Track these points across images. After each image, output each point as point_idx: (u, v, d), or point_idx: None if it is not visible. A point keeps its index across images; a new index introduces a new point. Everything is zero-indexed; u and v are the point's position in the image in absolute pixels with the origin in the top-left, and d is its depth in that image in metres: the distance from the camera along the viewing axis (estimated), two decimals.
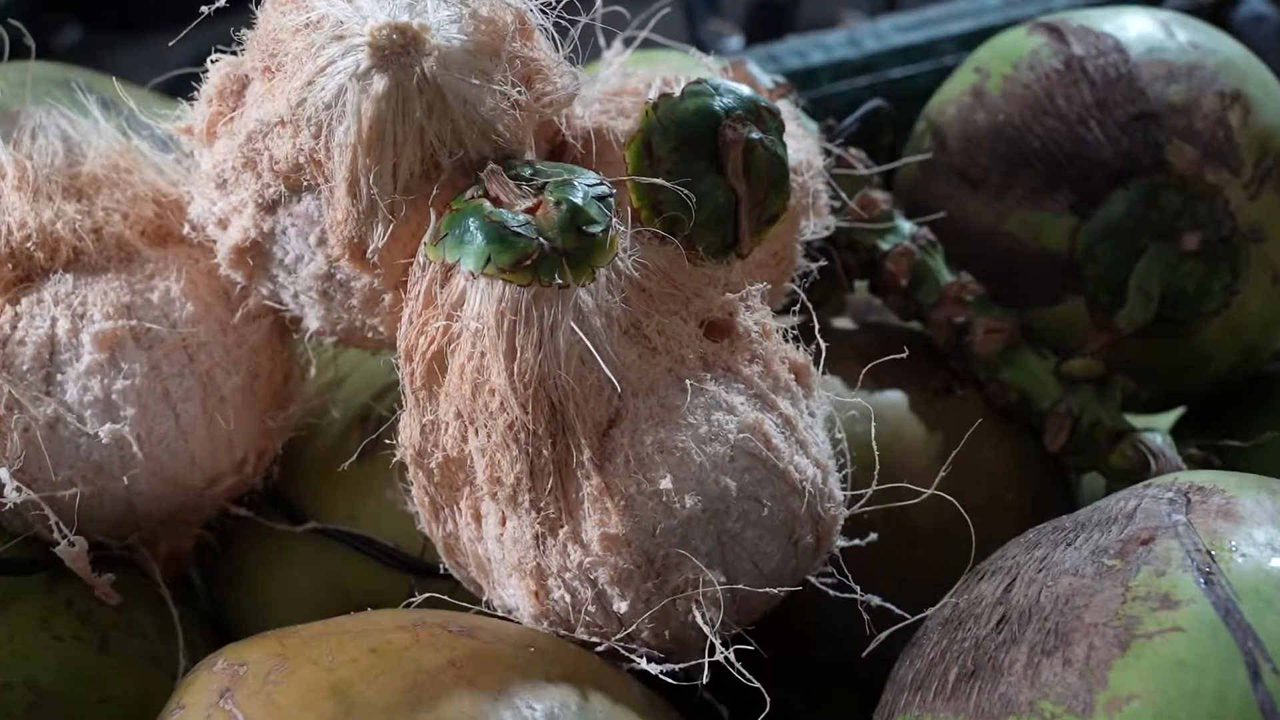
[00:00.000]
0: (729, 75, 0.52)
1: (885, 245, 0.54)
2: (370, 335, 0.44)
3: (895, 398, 0.52)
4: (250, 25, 0.41)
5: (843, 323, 0.60)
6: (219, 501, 0.47)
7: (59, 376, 0.42)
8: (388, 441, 0.42)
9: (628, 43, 0.53)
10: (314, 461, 0.49)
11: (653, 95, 0.45)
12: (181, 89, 0.43)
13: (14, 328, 0.43)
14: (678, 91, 0.41)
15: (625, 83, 0.46)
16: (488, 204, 0.37)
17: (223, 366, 0.44)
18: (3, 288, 0.43)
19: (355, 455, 0.45)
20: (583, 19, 0.44)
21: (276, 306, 0.45)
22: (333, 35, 0.37)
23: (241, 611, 0.50)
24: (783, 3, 1.56)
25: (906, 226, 0.54)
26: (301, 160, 0.39)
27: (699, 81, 0.42)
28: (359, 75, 0.37)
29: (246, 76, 0.42)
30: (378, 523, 0.48)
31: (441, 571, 0.43)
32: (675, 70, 0.59)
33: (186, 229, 0.45)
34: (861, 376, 0.45)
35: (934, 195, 0.56)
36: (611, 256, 0.38)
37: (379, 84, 0.37)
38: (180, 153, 0.47)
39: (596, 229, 0.37)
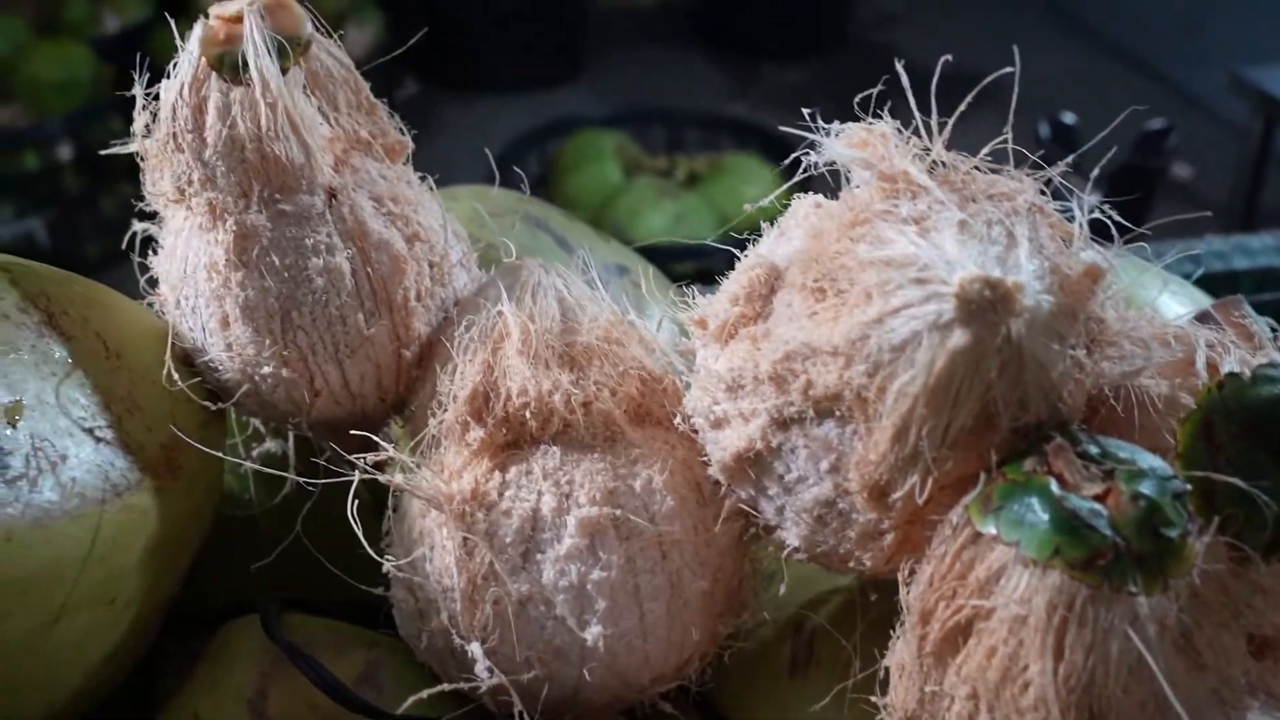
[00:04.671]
0: (1220, 316, 0.48)
1: None
2: (852, 565, 0.41)
3: None
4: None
5: None
6: (652, 697, 0.45)
7: (538, 555, 0.42)
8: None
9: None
10: (741, 665, 0.47)
11: (1200, 363, 0.41)
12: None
13: (501, 495, 0.42)
14: (1245, 371, 0.38)
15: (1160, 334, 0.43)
16: (1054, 484, 0.34)
17: (691, 568, 0.43)
18: (493, 452, 0.43)
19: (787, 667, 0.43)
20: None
21: (751, 513, 0.43)
22: (914, 277, 0.35)
23: None
24: (1152, 166, 1.49)
25: None
26: (845, 394, 0.37)
27: (1273, 365, 0.38)
28: (939, 325, 0.35)
29: (779, 283, 0.41)
30: None
31: None
32: (1159, 300, 0.55)
33: (678, 419, 0.44)
34: None
35: None
36: (1189, 568, 0.34)
37: (959, 338, 0.34)
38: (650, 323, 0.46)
39: (1173, 533, 0.34)
